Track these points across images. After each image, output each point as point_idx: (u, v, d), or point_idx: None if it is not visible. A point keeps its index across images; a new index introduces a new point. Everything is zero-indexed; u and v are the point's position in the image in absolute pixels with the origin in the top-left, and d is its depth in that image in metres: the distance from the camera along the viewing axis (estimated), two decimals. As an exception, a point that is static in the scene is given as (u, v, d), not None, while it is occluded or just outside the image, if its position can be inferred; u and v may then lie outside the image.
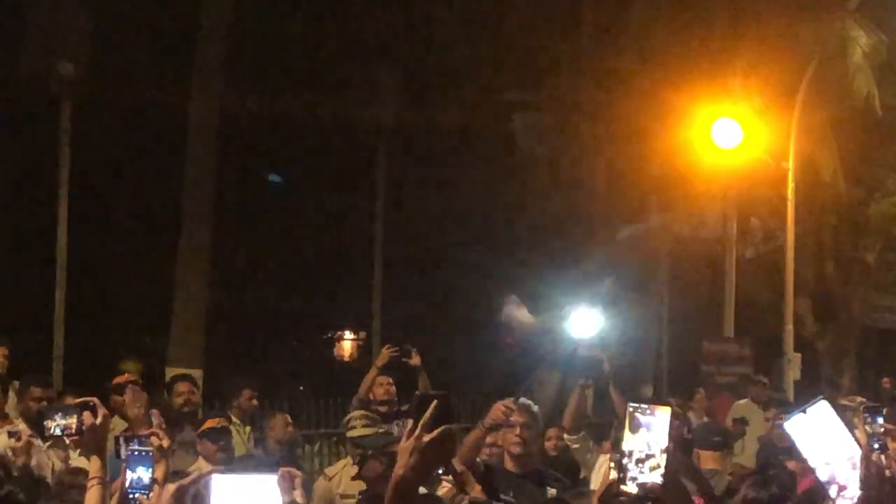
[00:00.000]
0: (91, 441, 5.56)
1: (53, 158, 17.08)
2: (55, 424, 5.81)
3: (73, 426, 5.72)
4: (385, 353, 12.52)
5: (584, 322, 10.89)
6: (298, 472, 3.93)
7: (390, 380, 12.59)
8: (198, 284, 17.84)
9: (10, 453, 10.09)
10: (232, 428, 11.47)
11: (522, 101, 22.93)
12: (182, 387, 11.94)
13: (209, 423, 10.32)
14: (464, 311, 23.58)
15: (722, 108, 20.35)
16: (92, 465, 5.47)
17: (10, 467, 9.04)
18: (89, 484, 5.37)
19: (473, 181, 23.27)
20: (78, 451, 10.39)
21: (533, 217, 23.11)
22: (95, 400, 5.62)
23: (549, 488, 8.42)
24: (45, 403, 10.43)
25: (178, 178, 18.43)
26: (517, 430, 9.50)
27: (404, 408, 11.64)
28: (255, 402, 12.50)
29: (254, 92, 20.39)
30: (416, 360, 12.78)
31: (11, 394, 11.78)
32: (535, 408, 9.91)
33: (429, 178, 22.89)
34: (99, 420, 5.50)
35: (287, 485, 3.82)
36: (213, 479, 3.80)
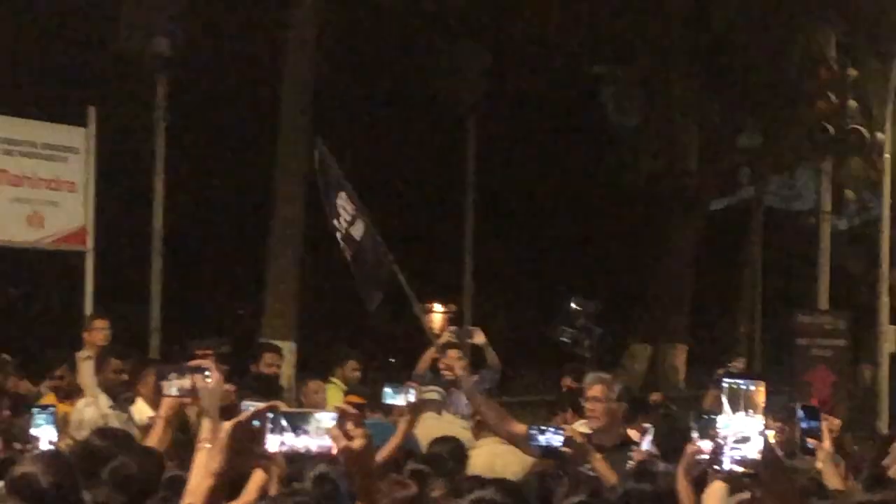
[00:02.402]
0: (203, 402, 5.65)
1: (149, 135, 17.28)
2: (170, 385, 5.91)
3: (187, 388, 5.82)
4: (446, 335, 12.83)
5: None
6: (355, 411, 3.91)
7: (461, 353, 12.93)
8: (290, 257, 17.99)
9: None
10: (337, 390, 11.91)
11: (611, 75, 22.87)
12: (269, 357, 12.24)
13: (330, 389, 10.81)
14: (554, 282, 23.58)
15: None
16: (203, 428, 5.56)
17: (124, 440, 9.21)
18: (198, 446, 5.45)
19: (563, 155, 23.25)
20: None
21: (624, 191, 23.04)
22: (209, 363, 5.71)
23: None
24: (124, 376, 10.63)
25: (271, 152, 18.58)
26: (590, 404, 9.55)
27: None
28: (358, 373, 12.79)
29: (345, 68, 20.48)
30: (478, 338, 13.00)
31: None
32: (608, 377, 9.98)
33: (518, 152, 22.87)
34: (211, 383, 5.59)
35: (344, 423, 3.81)
36: (270, 416, 3.81)
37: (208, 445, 5.29)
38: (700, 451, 6.50)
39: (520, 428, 8.74)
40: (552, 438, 8.08)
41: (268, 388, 10.64)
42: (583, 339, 12.01)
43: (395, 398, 8.69)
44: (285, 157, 18.24)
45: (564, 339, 12.00)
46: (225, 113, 21.11)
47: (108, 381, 10.57)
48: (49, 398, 11.40)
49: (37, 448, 6.82)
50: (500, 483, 5.20)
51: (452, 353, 12.63)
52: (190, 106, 19.22)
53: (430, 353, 12.88)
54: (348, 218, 11.60)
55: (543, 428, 8.31)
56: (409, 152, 22.65)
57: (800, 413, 7.16)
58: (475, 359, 13.23)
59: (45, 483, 5.01)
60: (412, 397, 8.53)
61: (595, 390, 9.58)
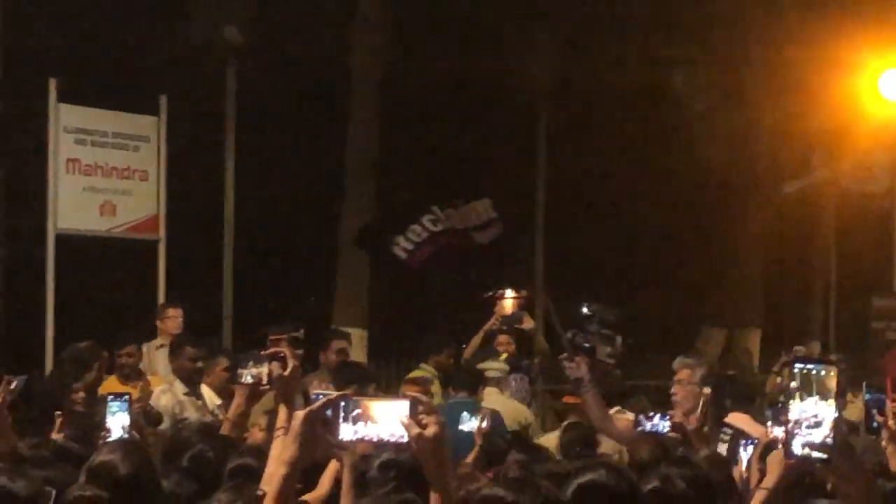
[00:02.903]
0: (279, 391, 5.66)
1: (220, 123, 17.37)
2: (247, 373, 5.94)
3: (264, 375, 5.83)
4: (493, 321, 13.25)
5: None
6: (427, 400, 3.89)
7: (510, 338, 13.28)
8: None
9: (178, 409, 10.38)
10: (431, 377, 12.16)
11: (682, 57, 22.69)
12: (337, 343, 12.32)
13: (413, 373, 10.97)
14: (627, 267, 23.52)
15: (890, 59, 19.89)
16: (279, 415, 5.57)
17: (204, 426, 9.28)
18: (275, 434, 5.46)
19: (634, 138, 23.12)
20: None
21: (696, 174, 22.87)
22: (285, 351, 5.71)
23: None
24: (199, 364, 10.74)
25: (341, 139, 18.62)
26: (676, 388, 9.55)
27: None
28: (452, 360, 13.05)
29: (416, 53, 20.46)
30: (527, 323, 13.27)
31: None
32: (692, 361, 9.94)
33: (589, 136, 22.76)
34: (288, 371, 5.59)
35: (416, 412, 3.79)
36: (342, 404, 3.81)
37: (284, 433, 5.31)
38: (775, 440, 6.47)
39: (622, 424, 8.85)
40: (659, 424, 8.15)
41: (361, 376, 10.72)
42: (603, 347, 11.91)
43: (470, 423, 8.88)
44: (356, 143, 18.27)
45: (585, 345, 11.97)
46: (295, 102, 21.16)
47: (183, 368, 10.68)
48: (111, 381, 11.52)
49: (111, 436, 6.87)
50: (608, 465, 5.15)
51: (502, 338, 12.88)
52: (260, 95, 19.29)
53: (477, 339, 13.25)
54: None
55: (651, 414, 8.39)
56: (479, 138, 22.59)
57: (866, 391, 7.11)
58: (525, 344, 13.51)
59: (123, 471, 5.04)
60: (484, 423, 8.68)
61: (682, 374, 9.62)
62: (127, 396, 7.23)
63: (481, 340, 13.84)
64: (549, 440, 9.81)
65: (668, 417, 8.30)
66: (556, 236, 21.93)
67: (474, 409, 9.41)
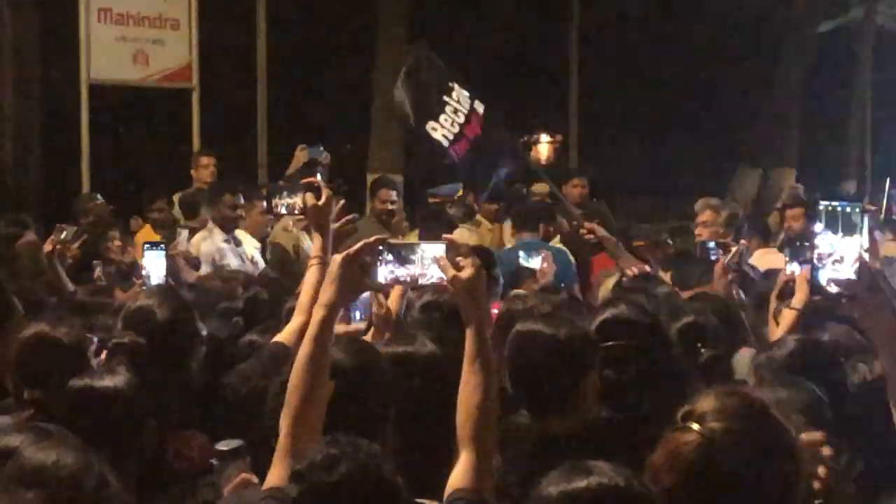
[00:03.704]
0: (313, 220, 5.69)
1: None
2: (281, 203, 5.96)
3: (297, 205, 5.84)
4: None
5: None
6: (463, 242, 3.92)
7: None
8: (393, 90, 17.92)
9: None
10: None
11: None
12: (384, 194, 12.34)
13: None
14: (660, 105, 23.42)
15: None
16: (314, 245, 5.61)
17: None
18: (310, 263, 5.52)
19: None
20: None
21: (733, 12, 22.63)
22: (319, 181, 5.71)
23: None
24: (239, 212, 10.83)
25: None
26: (698, 229, 9.60)
27: None
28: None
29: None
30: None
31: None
32: (716, 202, 9.96)
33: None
34: (322, 200, 5.61)
35: (453, 255, 3.83)
36: (379, 248, 3.84)
37: (318, 262, 5.38)
38: (790, 277, 6.56)
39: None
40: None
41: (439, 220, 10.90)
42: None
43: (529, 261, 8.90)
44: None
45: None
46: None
47: (222, 215, 10.75)
48: (145, 231, 11.64)
49: (149, 283, 6.97)
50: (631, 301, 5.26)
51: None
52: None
53: None
54: (464, 112, 11.18)
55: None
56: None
57: (891, 185, 7.17)
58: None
59: (160, 316, 5.10)
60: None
61: (704, 216, 9.64)
62: (162, 244, 7.31)
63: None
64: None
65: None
66: (589, 79, 21.80)
67: (537, 248, 9.48)
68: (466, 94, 11.01)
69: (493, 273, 6.88)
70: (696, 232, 9.71)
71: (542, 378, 4.49)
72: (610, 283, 8.60)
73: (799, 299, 6.07)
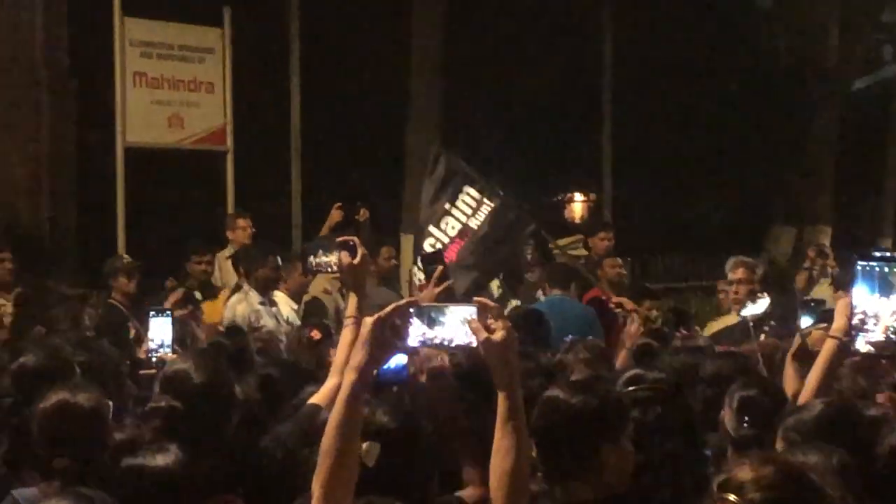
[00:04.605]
0: (349, 279, 5.69)
1: (285, 33, 17.36)
2: (316, 261, 5.94)
3: (333, 264, 5.83)
4: None
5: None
6: (495, 304, 3.92)
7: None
8: (425, 154, 18.00)
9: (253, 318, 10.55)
10: None
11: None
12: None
13: None
14: (694, 167, 23.39)
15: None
16: (349, 304, 5.61)
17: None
18: (345, 322, 5.51)
19: (703, 34, 22.88)
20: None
21: (765, 70, 22.65)
22: (355, 239, 5.70)
23: None
24: (279, 272, 10.92)
25: (406, 44, 18.53)
26: (732, 287, 9.57)
27: None
28: None
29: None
30: None
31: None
32: (747, 261, 9.95)
33: (653, 37, 22.54)
34: (357, 259, 5.60)
35: (484, 317, 3.82)
36: (408, 310, 3.84)
37: (353, 322, 5.37)
38: (806, 333, 6.50)
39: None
40: None
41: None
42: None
43: None
44: (419, 50, 18.21)
45: None
46: (359, 7, 21.07)
47: (265, 277, 10.85)
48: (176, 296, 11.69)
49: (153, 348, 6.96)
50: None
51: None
52: (323, 1, 19.22)
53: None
54: (471, 205, 11.21)
55: None
56: (543, 45, 22.44)
57: None
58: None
59: (197, 380, 5.12)
60: None
61: (738, 273, 9.63)
62: (168, 311, 7.28)
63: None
64: None
65: None
66: (622, 138, 21.83)
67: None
68: (475, 196, 11.06)
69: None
70: (732, 290, 9.68)
71: (562, 444, 4.48)
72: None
73: (838, 327, 5.87)
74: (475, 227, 10.86)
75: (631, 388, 4.98)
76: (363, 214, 12.89)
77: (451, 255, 10.35)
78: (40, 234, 16.38)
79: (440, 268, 6.35)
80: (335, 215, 12.84)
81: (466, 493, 4.64)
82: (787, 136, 22.73)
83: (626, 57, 21.86)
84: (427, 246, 10.42)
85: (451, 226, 10.80)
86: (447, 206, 10.90)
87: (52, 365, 5.76)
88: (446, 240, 10.80)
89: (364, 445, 3.96)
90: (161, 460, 4.58)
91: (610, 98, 21.40)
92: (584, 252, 13.02)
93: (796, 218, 21.84)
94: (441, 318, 3.82)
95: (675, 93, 23.14)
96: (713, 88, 23.04)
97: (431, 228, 10.72)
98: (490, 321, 3.78)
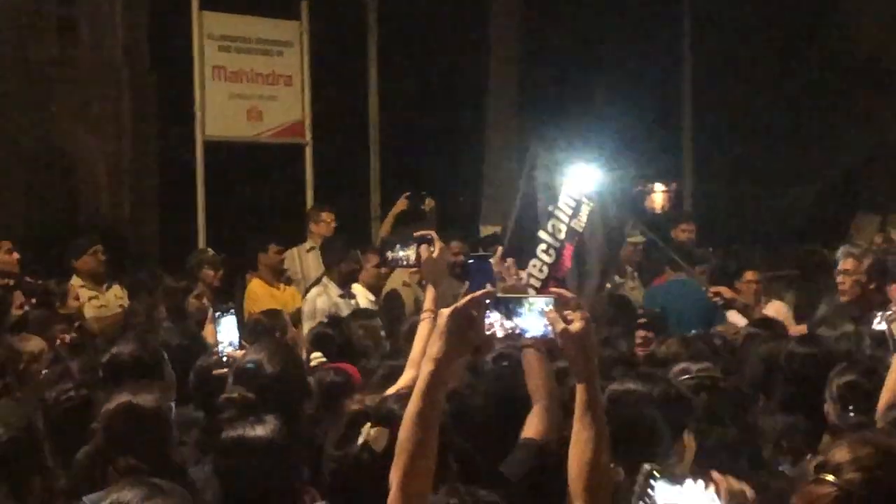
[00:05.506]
0: (426, 273, 5.70)
1: (362, 25, 17.36)
2: (392, 255, 5.96)
3: (411, 258, 5.85)
4: None
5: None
6: (572, 295, 3.87)
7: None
8: (503, 146, 17.98)
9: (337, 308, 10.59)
10: None
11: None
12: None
13: None
14: (776, 152, 23.20)
15: None
16: (426, 297, 5.61)
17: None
18: (422, 316, 5.50)
19: (784, 22, 22.69)
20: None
21: (850, 56, 22.42)
22: (433, 233, 5.72)
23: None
24: (357, 265, 10.98)
25: (484, 34, 18.52)
26: (840, 277, 9.48)
27: None
28: None
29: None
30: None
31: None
32: (855, 251, 9.79)
33: (737, 19, 22.37)
34: (435, 253, 5.61)
35: (562, 307, 3.79)
36: (487, 302, 3.81)
37: (429, 315, 5.36)
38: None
39: None
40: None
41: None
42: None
43: None
44: (498, 41, 18.19)
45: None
46: (437, 1, 21.11)
47: (349, 270, 10.93)
48: (256, 284, 11.71)
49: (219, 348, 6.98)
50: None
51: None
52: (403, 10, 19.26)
53: None
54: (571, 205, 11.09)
55: None
56: (622, 36, 22.35)
57: None
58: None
59: (269, 370, 5.13)
60: None
61: (846, 264, 9.54)
62: (232, 308, 7.27)
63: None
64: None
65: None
66: (703, 127, 21.67)
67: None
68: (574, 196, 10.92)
69: None
70: (839, 280, 9.62)
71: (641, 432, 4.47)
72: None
73: None
74: (580, 230, 10.75)
75: (683, 378, 5.24)
76: (429, 204, 12.86)
77: (566, 263, 10.27)
78: (122, 226, 16.54)
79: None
80: (400, 204, 12.84)
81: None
82: (869, 121, 22.48)
83: (706, 46, 21.68)
84: (540, 252, 10.23)
85: (558, 229, 10.69)
86: (550, 207, 10.77)
87: (143, 357, 5.84)
88: (558, 245, 10.70)
89: (371, 431, 3.98)
90: (261, 430, 4.62)
91: (690, 87, 21.21)
92: (641, 239, 12.88)
93: (881, 206, 21.55)
94: (519, 310, 3.79)
95: (755, 82, 22.95)
96: (794, 77, 22.81)
97: (542, 234, 10.58)
98: (568, 312, 3.75)
